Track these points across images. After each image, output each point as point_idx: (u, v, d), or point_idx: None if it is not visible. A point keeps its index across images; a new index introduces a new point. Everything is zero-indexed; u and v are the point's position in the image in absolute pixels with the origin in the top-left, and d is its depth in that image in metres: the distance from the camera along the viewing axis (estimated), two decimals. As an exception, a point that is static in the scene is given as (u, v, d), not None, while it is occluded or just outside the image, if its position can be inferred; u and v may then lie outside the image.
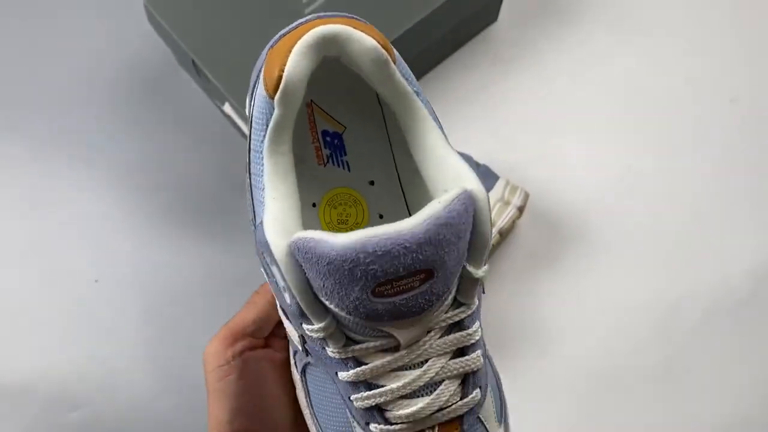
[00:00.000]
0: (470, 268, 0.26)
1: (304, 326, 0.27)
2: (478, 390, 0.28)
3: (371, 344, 0.26)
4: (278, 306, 0.32)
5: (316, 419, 0.31)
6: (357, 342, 0.27)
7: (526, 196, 0.55)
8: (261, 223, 0.27)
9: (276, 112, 0.27)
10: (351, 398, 0.28)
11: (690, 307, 0.55)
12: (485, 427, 0.30)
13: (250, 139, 0.29)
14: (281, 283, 0.26)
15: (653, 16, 0.66)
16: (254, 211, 0.29)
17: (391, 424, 0.28)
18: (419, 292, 0.24)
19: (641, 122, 0.61)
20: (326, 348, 0.27)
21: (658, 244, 0.57)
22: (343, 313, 0.25)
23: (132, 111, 0.62)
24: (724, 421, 0.53)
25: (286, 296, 0.26)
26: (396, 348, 0.27)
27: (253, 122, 0.28)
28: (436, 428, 0.28)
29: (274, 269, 0.26)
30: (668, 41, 0.65)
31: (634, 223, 0.58)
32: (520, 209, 0.55)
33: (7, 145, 0.61)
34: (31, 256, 0.57)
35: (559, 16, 0.66)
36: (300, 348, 0.29)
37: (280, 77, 0.26)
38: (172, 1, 0.54)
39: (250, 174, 0.29)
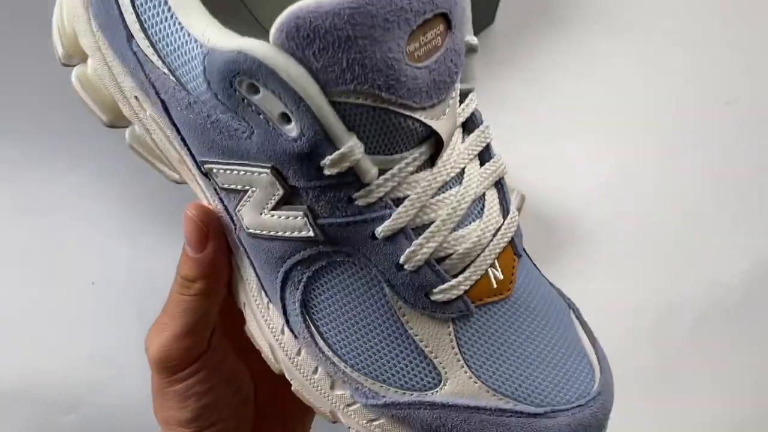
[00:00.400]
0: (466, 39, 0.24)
1: (325, 163, 0.21)
2: (512, 205, 0.26)
3: (408, 157, 0.22)
4: (238, 236, 0.25)
5: (338, 356, 0.25)
6: (389, 170, 0.22)
7: (522, 198, 0.55)
8: (211, 49, 0.21)
9: None
10: (400, 261, 0.23)
11: (686, 308, 0.55)
12: (528, 254, 0.27)
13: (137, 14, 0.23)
14: (277, 109, 0.20)
15: (649, 19, 0.66)
16: (176, 77, 0.23)
17: (454, 276, 0.23)
18: (445, 51, 0.22)
19: (637, 125, 0.61)
20: (353, 197, 0.22)
21: (654, 247, 0.57)
22: (378, 102, 0.21)
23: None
24: (718, 422, 0.53)
25: (290, 128, 0.21)
26: (432, 159, 0.23)
27: None
28: (497, 264, 0.24)
29: (259, 97, 0.20)
30: (664, 44, 0.65)
31: (630, 225, 0.58)
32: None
33: (2, 148, 0.61)
34: (27, 259, 0.57)
35: (555, 19, 0.66)
36: (313, 233, 0.23)
37: None
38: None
39: (151, 42, 0.23)
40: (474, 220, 0.24)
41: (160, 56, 0.23)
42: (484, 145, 0.25)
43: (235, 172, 0.23)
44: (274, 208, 0.23)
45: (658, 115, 0.62)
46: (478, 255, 0.24)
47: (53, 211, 0.58)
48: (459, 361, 0.24)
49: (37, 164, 0.60)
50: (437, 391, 0.24)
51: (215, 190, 0.25)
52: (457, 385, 0.23)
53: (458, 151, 0.24)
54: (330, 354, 0.25)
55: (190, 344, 0.28)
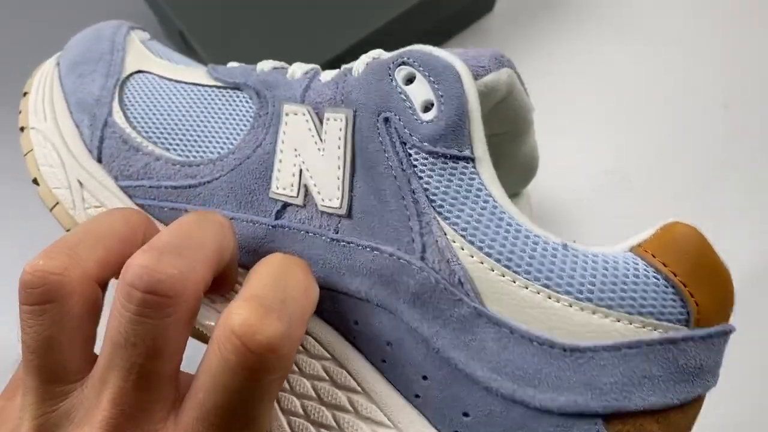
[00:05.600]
0: None
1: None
2: None
3: None
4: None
5: None
6: None
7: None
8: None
9: None
10: None
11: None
12: None
13: None
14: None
15: (650, 19, 0.65)
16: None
17: None
18: None
19: (633, 125, 0.61)
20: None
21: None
22: None
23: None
24: (717, 420, 0.53)
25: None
26: None
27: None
28: None
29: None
30: (664, 45, 0.64)
31: (621, 226, 0.57)
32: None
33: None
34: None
35: (555, 13, 0.65)
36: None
37: None
38: (161, -30, 0.52)
39: None
40: None
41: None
42: None
43: None
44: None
45: (655, 117, 0.61)
46: None
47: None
48: None
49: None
50: None
51: None
52: None
53: None
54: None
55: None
